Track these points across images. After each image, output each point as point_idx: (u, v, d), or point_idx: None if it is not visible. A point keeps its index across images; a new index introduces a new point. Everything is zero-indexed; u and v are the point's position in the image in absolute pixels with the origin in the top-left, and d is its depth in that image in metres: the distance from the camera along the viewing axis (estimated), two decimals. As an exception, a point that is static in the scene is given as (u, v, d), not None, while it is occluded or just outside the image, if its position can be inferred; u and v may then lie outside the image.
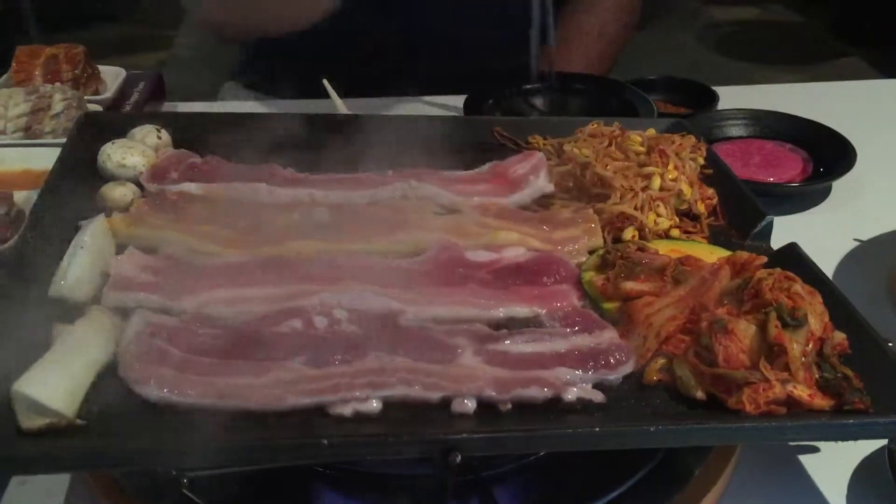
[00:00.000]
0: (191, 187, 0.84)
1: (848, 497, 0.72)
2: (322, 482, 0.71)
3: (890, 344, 0.69)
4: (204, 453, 0.59)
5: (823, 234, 1.05)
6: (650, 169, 0.89)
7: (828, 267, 1.00)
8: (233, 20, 1.41)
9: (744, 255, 0.74)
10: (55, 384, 0.59)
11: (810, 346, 0.66)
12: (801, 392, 0.63)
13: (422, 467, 0.71)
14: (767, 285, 0.69)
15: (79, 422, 0.59)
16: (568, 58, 1.52)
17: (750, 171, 1.14)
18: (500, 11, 1.60)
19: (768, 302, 0.68)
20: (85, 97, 1.18)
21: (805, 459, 0.75)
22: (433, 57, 1.49)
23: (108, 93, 1.25)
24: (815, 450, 0.76)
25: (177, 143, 0.93)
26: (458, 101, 1.32)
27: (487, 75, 1.38)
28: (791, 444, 0.76)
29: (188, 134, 0.95)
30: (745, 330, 0.66)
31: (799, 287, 0.70)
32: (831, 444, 0.76)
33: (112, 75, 1.30)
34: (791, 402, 0.63)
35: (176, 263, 0.74)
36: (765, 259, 0.74)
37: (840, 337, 0.68)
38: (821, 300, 0.70)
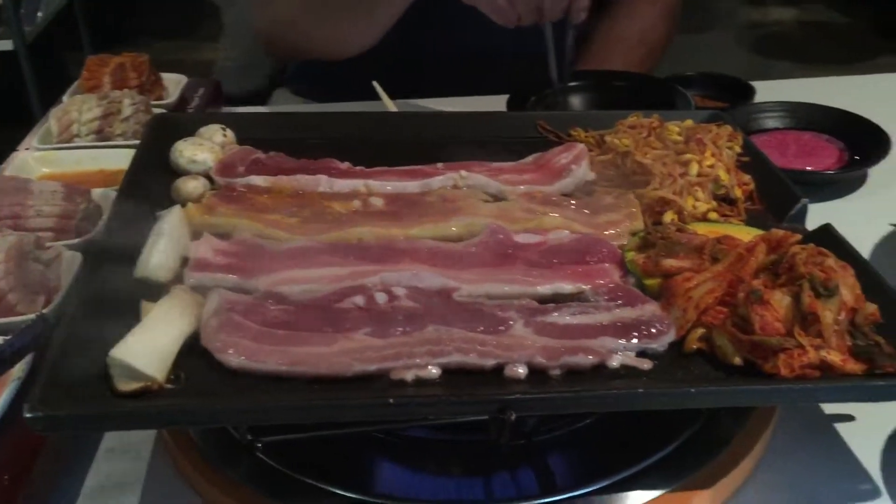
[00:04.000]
0: (257, 180, 0.91)
1: (882, 461, 0.76)
2: (379, 451, 0.77)
3: (921, 314, 0.72)
4: (279, 412, 0.65)
5: (860, 219, 1.08)
6: (688, 156, 0.93)
7: (864, 250, 1.02)
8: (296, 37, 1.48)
9: (779, 232, 0.78)
10: (147, 351, 0.65)
11: (842, 315, 0.70)
12: (834, 357, 0.67)
13: (475, 433, 0.76)
14: (801, 259, 0.73)
15: (168, 385, 0.65)
16: (608, 64, 1.56)
17: (787, 160, 1.17)
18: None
19: (802, 275, 0.72)
20: (150, 102, 1.26)
21: (840, 427, 0.79)
22: (476, 66, 1.55)
23: (171, 98, 1.32)
24: (851, 418, 0.80)
25: (240, 142, 1.00)
26: (499, 101, 1.37)
27: (527, 81, 1.43)
28: (827, 412, 0.80)
29: (249, 133, 1.01)
30: (780, 300, 0.70)
31: (832, 261, 0.73)
32: (866, 412, 0.79)
33: (174, 82, 1.37)
34: (824, 367, 0.67)
35: (247, 247, 0.81)
36: (799, 236, 0.78)
37: (872, 307, 0.72)
38: (853, 274, 0.73)
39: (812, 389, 0.66)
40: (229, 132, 0.99)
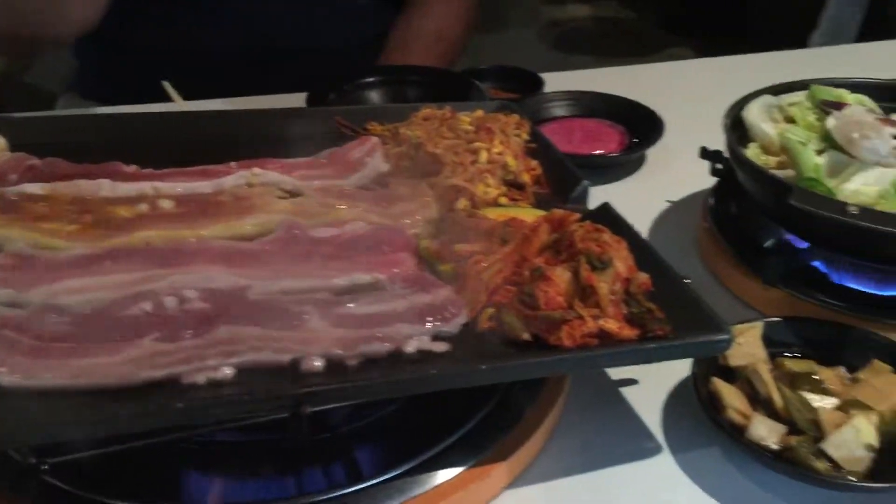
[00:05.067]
0: (32, 187, 0.85)
1: (662, 419, 0.82)
2: (186, 460, 0.74)
3: (687, 280, 0.79)
4: (51, 429, 0.61)
5: (640, 197, 1.17)
6: (477, 144, 0.97)
7: (644, 225, 1.11)
8: None
9: (559, 212, 0.83)
10: None
11: (617, 285, 0.75)
12: (611, 325, 0.72)
13: (280, 431, 0.75)
14: (579, 236, 0.77)
15: (-70, 413, 0.60)
16: (408, 60, 1.59)
17: (574, 145, 1.24)
18: (338, 17, 1.66)
19: (580, 251, 0.76)
20: (-89, 110, 1.15)
21: (625, 391, 0.84)
22: (274, 60, 1.53)
23: (-63, 105, 1.22)
24: (634, 382, 0.85)
25: (14, 148, 0.94)
26: (300, 98, 1.36)
27: (329, 76, 1.43)
28: (613, 378, 0.86)
29: (26, 139, 0.95)
30: (561, 275, 0.74)
31: (607, 236, 0.78)
32: (647, 375, 0.85)
33: (-61, 88, 1.26)
34: (603, 335, 0.72)
35: (22, 259, 0.76)
36: (579, 215, 0.83)
37: (644, 277, 0.77)
38: (626, 247, 0.79)
39: (592, 357, 0.70)
40: (0, 139, 0.92)
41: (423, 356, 0.71)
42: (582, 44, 4.48)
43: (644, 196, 1.17)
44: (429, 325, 0.73)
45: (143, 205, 0.85)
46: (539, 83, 1.41)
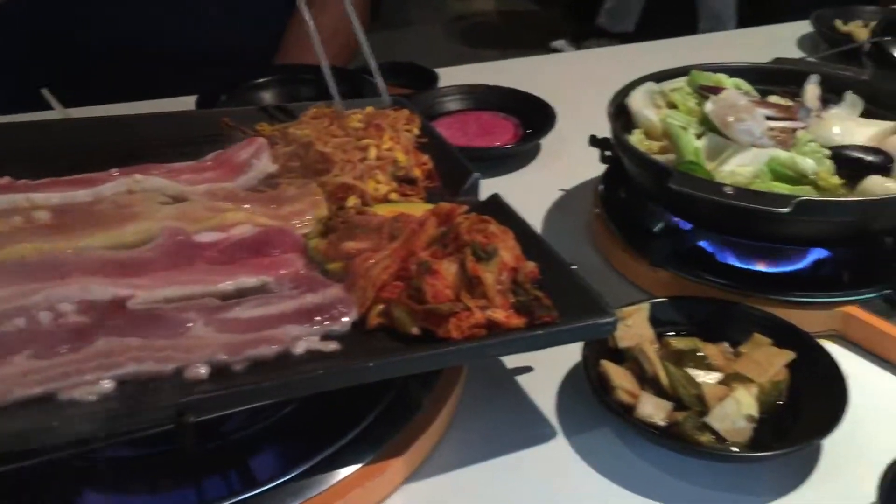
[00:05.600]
0: None
1: (557, 404, 0.83)
2: (82, 479, 0.72)
3: (574, 267, 0.80)
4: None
5: (534, 187, 1.18)
6: (367, 141, 0.97)
7: (539, 213, 1.13)
8: None
9: (446, 205, 0.83)
10: None
11: (504, 275, 0.75)
12: (499, 315, 0.73)
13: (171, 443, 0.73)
14: (465, 228, 0.78)
15: None
16: (304, 59, 1.58)
17: (469, 139, 1.25)
18: (234, 17, 1.63)
19: (466, 242, 0.76)
20: None
21: (520, 379, 0.86)
22: (166, 64, 1.49)
23: None
24: (529, 369, 0.87)
25: None
26: (191, 102, 1.34)
27: (223, 77, 1.41)
28: (508, 367, 0.87)
29: None
30: (448, 268, 0.75)
31: (493, 227, 0.79)
32: (542, 362, 0.87)
33: None
34: (491, 325, 0.72)
35: None
36: (466, 207, 0.83)
37: (531, 265, 0.78)
38: (513, 236, 0.80)
39: (479, 347, 0.71)
40: None
41: (313, 356, 0.71)
42: (489, 37, 4.51)
43: (538, 185, 1.19)
44: (317, 325, 0.73)
45: (16, 217, 0.82)
46: (433, 78, 1.42)
